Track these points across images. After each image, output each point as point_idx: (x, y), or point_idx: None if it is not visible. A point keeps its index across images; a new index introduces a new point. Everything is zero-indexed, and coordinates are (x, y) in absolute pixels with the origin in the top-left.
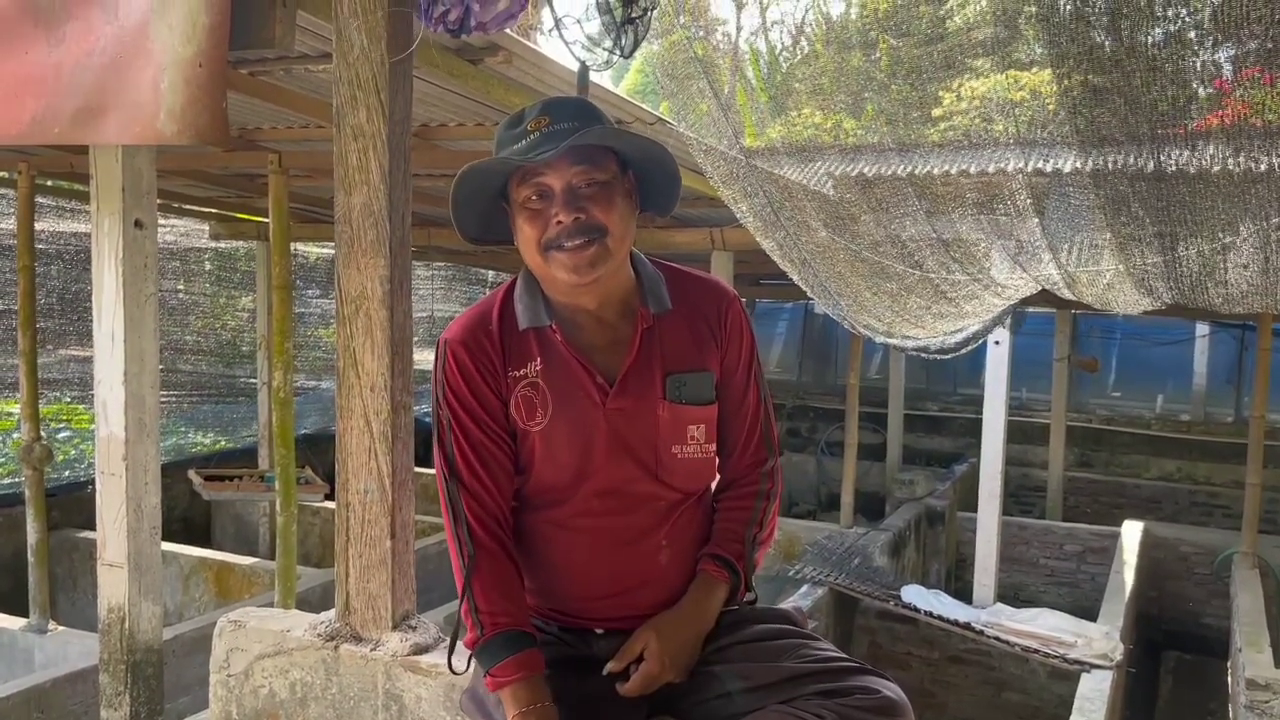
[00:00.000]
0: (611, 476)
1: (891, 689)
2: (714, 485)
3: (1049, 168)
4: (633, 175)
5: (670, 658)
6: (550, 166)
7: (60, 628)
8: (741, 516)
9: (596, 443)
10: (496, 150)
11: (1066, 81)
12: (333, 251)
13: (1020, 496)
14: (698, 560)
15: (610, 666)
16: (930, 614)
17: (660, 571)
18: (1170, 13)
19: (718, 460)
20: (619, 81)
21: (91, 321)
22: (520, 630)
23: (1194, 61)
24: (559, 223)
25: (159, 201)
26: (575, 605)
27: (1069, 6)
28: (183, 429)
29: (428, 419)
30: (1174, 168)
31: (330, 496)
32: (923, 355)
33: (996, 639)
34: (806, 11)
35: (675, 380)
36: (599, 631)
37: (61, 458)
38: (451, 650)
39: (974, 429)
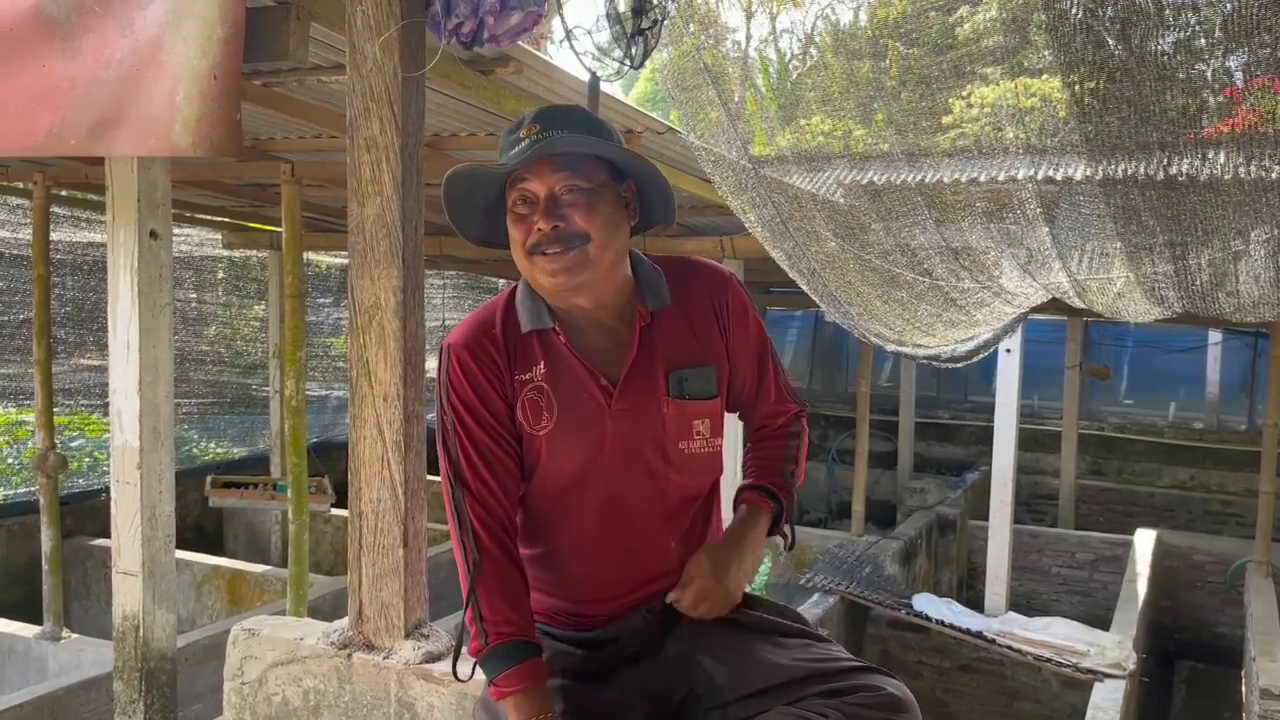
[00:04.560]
0: (619, 477)
1: (896, 686)
2: (741, 449)
3: (1059, 175)
4: (633, 185)
5: (718, 575)
6: (534, 173)
7: (74, 635)
8: (777, 453)
9: (604, 444)
10: (499, 156)
11: (1076, 89)
12: (345, 260)
13: (1032, 505)
14: (736, 494)
15: (670, 597)
16: (942, 622)
17: (670, 564)
18: (1181, 20)
19: (743, 422)
20: (629, 90)
21: (106, 331)
22: (525, 640)
23: (1204, 69)
24: (539, 229)
25: (172, 211)
26: (586, 606)
27: (1078, 15)
28: (195, 437)
29: None
30: (1184, 176)
31: (337, 505)
32: (934, 364)
33: (1008, 648)
34: (816, 20)
35: (678, 376)
36: (614, 623)
37: (75, 466)
38: (456, 657)
39: (985, 437)
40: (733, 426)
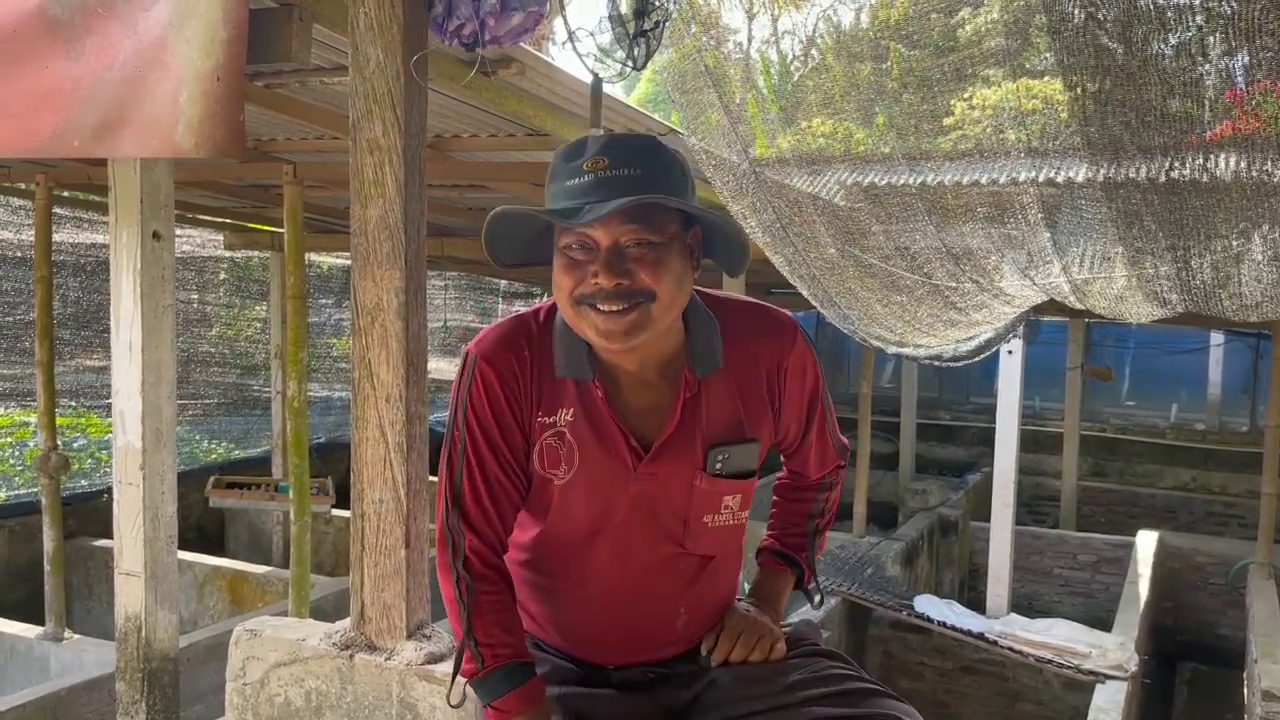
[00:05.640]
0: (630, 539)
1: (908, 713)
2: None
3: (1061, 178)
4: (700, 230)
5: (747, 633)
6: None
7: (76, 636)
8: (805, 508)
9: (620, 505)
10: (548, 183)
11: (1077, 92)
12: (346, 261)
13: (1034, 506)
14: (758, 552)
15: (704, 648)
16: (943, 624)
17: (676, 635)
18: (1183, 22)
19: (787, 471)
20: (630, 92)
21: (108, 332)
22: (521, 662)
23: (1206, 72)
24: (597, 284)
25: (174, 212)
26: (586, 652)
27: (1080, 17)
28: (197, 438)
29: (440, 428)
30: (1186, 179)
31: (339, 506)
32: (935, 364)
33: (1010, 649)
34: (817, 21)
35: (718, 452)
36: (611, 668)
37: (78, 467)
38: (454, 680)
39: (987, 438)
40: None
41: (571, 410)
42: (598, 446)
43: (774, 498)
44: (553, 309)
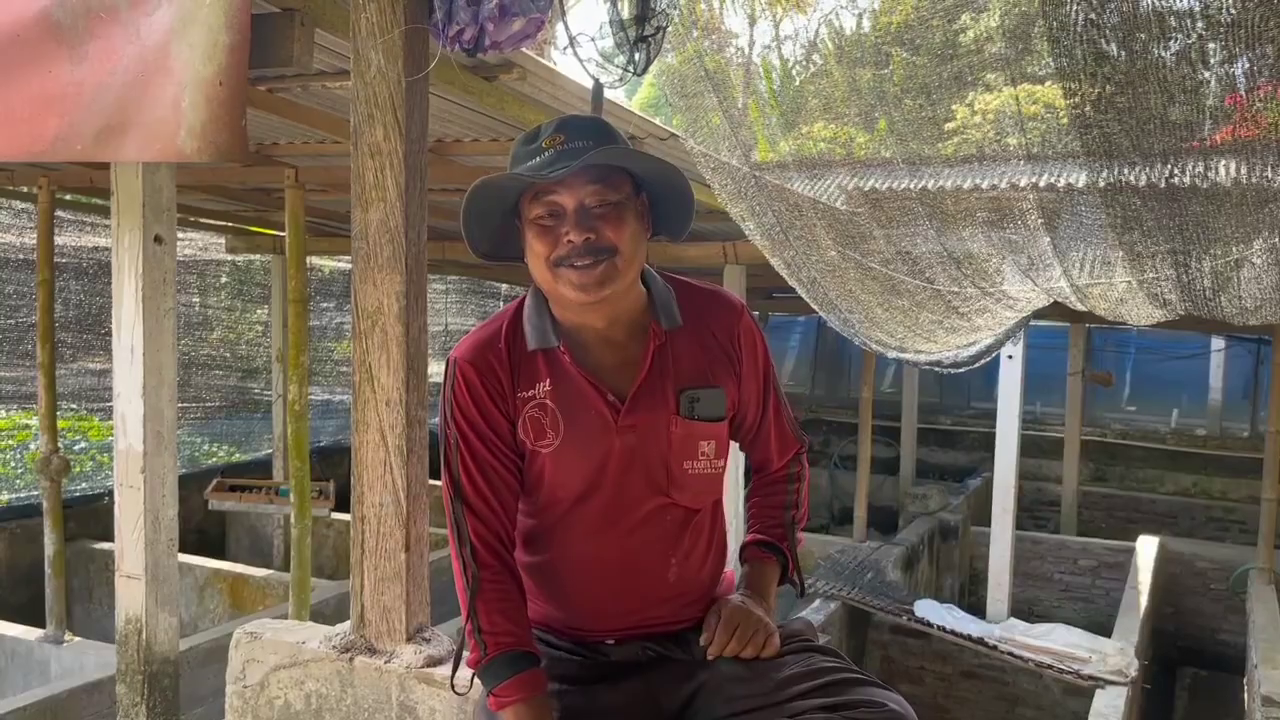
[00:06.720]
0: (622, 494)
1: (898, 702)
2: (732, 490)
3: (1061, 183)
4: (646, 198)
5: (743, 627)
6: (563, 185)
7: (76, 638)
8: (778, 500)
9: (609, 461)
10: (511, 166)
11: (1078, 97)
12: (348, 265)
13: (1034, 511)
14: (742, 549)
15: (703, 640)
16: (943, 628)
17: (669, 590)
18: (1183, 28)
19: (745, 454)
20: (633, 95)
21: (110, 335)
22: (523, 650)
23: (1207, 77)
24: (569, 241)
25: (176, 216)
26: (585, 621)
27: (1080, 23)
28: (198, 441)
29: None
30: (1186, 184)
31: (338, 510)
32: (936, 370)
33: (1010, 654)
34: (819, 26)
35: (689, 396)
36: (611, 642)
37: (78, 469)
38: (455, 669)
39: (988, 443)
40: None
41: (548, 380)
42: (577, 408)
43: (748, 502)
44: (522, 303)
